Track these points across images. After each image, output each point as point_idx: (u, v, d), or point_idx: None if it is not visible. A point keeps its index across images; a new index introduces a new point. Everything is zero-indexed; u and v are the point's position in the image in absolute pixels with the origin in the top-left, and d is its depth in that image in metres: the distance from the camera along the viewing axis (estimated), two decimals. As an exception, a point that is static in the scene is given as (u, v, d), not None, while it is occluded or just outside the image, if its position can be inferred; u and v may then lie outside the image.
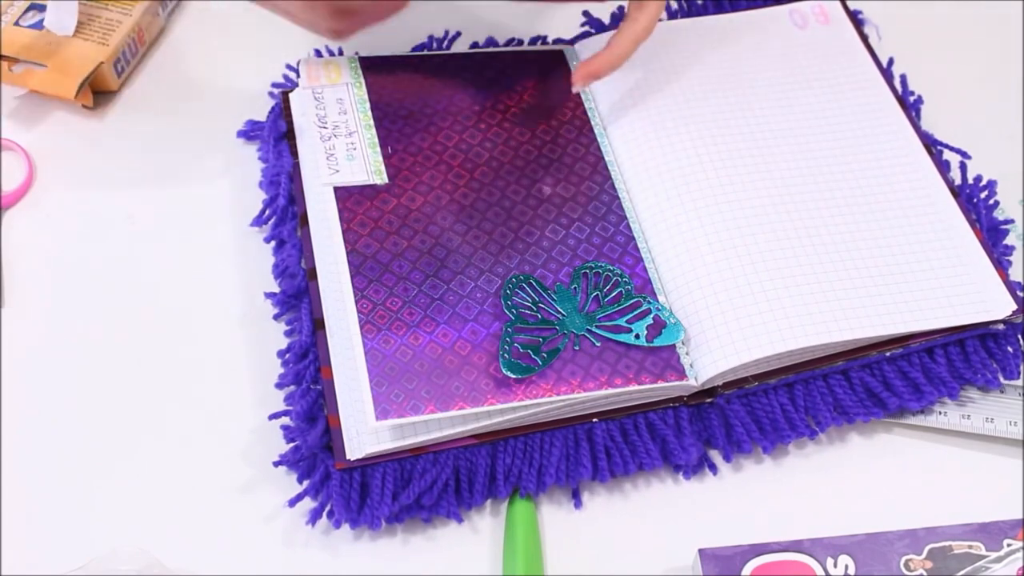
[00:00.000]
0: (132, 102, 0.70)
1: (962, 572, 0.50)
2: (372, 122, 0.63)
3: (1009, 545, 0.51)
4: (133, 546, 0.52)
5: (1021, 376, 0.58)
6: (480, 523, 0.55)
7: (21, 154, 0.67)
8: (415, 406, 0.53)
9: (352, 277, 0.57)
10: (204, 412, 0.58)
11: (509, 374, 0.53)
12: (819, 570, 0.50)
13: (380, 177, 0.61)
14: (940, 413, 0.57)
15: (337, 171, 0.61)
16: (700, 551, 0.51)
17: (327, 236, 0.59)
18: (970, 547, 0.51)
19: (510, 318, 0.56)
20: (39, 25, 0.70)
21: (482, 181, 0.62)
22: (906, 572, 0.51)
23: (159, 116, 0.70)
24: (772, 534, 0.52)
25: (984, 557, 0.51)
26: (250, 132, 0.68)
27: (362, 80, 0.65)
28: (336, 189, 0.60)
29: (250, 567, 0.53)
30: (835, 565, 0.51)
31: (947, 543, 0.51)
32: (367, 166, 0.61)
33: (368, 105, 0.64)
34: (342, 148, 0.62)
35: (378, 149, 0.62)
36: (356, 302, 0.56)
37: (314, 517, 0.54)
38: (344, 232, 0.58)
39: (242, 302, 0.62)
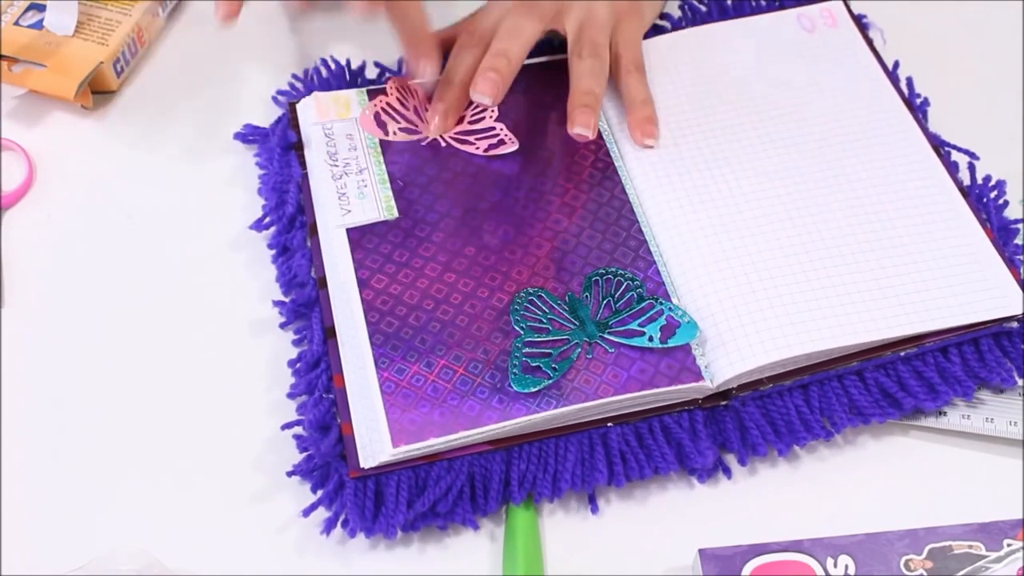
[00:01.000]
0: (132, 102, 0.70)
1: (962, 572, 0.50)
2: (382, 157, 0.63)
3: (1009, 545, 0.51)
4: (133, 546, 0.52)
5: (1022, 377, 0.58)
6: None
7: (21, 154, 0.67)
8: (430, 430, 0.53)
9: (366, 312, 0.57)
10: (204, 414, 0.58)
11: (519, 389, 0.53)
12: (819, 570, 0.50)
13: (391, 213, 0.61)
14: (940, 413, 0.57)
15: (349, 211, 0.61)
16: (700, 551, 0.51)
17: (336, 270, 0.59)
18: (970, 547, 0.51)
19: (519, 333, 0.56)
20: (39, 25, 0.70)
21: (491, 201, 0.62)
22: (906, 572, 0.50)
23: (159, 116, 0.70)
24: (772, 534, 0.52)
25: (984, 557, 0.51)
26: (248, 136, 0.68)
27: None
28: (348, 229, 0.60)
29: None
30: (835, 565, 0.51)
31: (947, 543, 0.51)
32: (378, 204, 0.61)
33: (377, 140, 0.64)
34: (353, 186, 0.62)
35: (388, 184, 0.62)
36: (370, 335, 0.56)
37: (329, 526, 0.53)
38: (356, 269, 0.59)
39: (243, 303, 0.61)
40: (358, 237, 0.60)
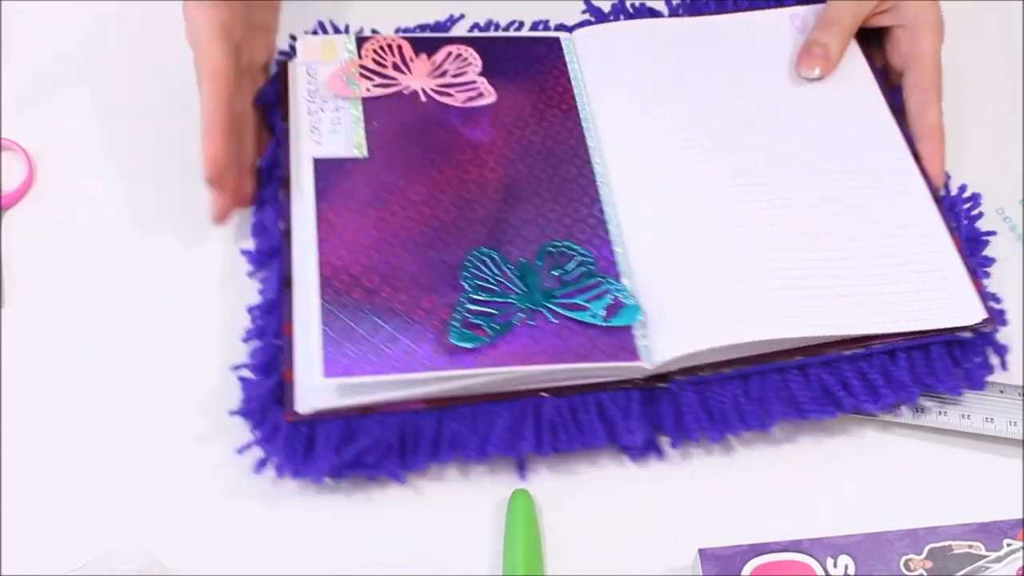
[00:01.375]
0: (131, 102, 0.70)
1: (962, 572, 0.50)
2: (360, 99, 0.65)
3: (1009, 545, 0.51)
4: (133, 546, 0.52)
5: (1022, 376, 0.58)
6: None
7: (21, 154, 0.67)
8: (363, 367, 0.53)
9: (320, 242, 0.58)
10: (206, 415, 0.58)
11: (457, 343, 0.54)
12: (819, 570, 0.50)
13: (360, 151, 0.62)
14: (940, 413, 0.57)
15: (319, 143, 0.62)
16: (700, 551, 0.51)
17: (302, 203, 0.61)
18: (970, 547, 0.51)
19: (466, 289, 0.56)
20: None
21: (460, 158, 0.63)
22: (906, 572, 0.50)
23: (159, 116, 0.69)
24: (772, 534, 0.52)
25: (984, 557, 0.51)
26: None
27: (356, 58, 0.67)
28: (316, 160, 0.61)
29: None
30: (835, 565, 0.51)
31: (947, 543, 0.51)
32: (349, 140, 0.63)
33: (359, 83, 0.65)
34: (327, 122, 0.63)
35: (362, 125, 0.63)
36: (319, 265, 0.57)
37: (260, 466, 0.54)
38: (317, 201, 0.60)
39: (246, 304, 0.62)
40: (324, 170, 0.61)
